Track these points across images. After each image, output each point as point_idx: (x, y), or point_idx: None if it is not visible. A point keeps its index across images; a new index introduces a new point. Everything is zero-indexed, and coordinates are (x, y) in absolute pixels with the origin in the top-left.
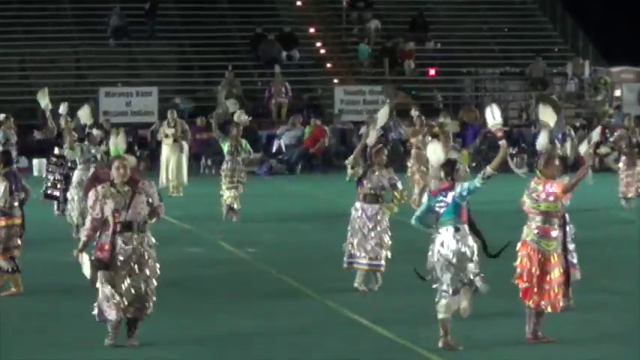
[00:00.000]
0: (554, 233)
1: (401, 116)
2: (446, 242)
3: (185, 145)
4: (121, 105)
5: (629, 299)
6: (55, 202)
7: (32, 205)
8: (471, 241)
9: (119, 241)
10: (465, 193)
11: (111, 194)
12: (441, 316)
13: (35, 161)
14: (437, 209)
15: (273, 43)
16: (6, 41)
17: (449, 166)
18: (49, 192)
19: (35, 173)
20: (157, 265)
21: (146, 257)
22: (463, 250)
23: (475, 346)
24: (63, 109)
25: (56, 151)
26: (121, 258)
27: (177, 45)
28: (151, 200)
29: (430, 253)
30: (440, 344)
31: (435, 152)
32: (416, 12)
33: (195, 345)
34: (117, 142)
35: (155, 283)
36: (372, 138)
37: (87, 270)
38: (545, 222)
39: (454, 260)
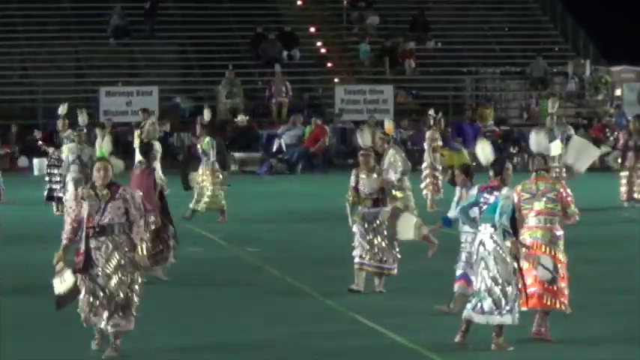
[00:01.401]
0: (559, 233)
1: (401, 116)
2: (484, 241)
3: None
4: (121, 104)
5: (630, 298)
6: (54, 203)
7: (32, 205)
8: (507, 242)
9: (92, 246)
10: (500, 210)
11: (88, 196)
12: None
13: (35, 161)
14: (480, 205)
15: (274, 42)
16: (7, 41)
17: (498, 165)
18: (51, 194)
19: (35, 173)
20: (137, 273)
21: (122, 263)
22: (499, 250)
23: (475, 346)
24: (62, 109)
25: (54, 153)
26: (94, 264)
27: (178, 44)
28: (126, 208)
29: (465, 251)
30: (457, 339)
31: (484, 152)
32: (416, 11)
33: (195, 344)
34: (102, 144)
35: (136, 291)
36: (366, 140)
37: (59, 286)
38: (555, 222)
39: (490, 260)
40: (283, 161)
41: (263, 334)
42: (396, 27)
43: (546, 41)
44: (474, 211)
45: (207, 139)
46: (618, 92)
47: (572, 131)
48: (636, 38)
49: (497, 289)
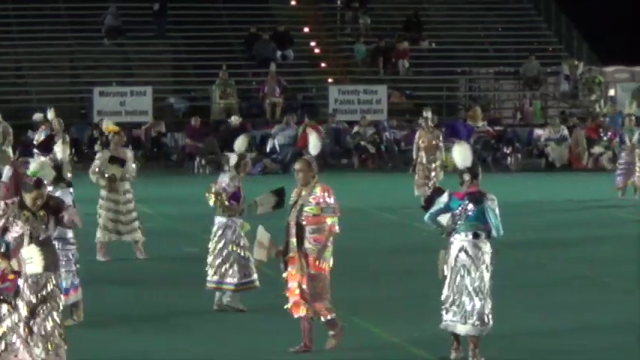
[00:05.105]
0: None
1: (395, 116)
2: (465, 247)
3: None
4: (115, 105)
5: (630, 298)
6: None
7: None
8: (488, 248)
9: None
10: (489, 214)
11: (26, 219)
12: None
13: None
14: (458, 211)
15: (268, 42)
16: (1, 41)
17: (475, 169)
18: None
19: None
20: (62, 297)
21: (53, 288)
22: (480, 256)
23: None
24: (51, 114)
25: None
26: (29, 291)
27: (172, 44)
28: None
29: (445, 257)
30: (452, 356)
31: (462, 154)
32: (410, 11)
33: (195, 343)
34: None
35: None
36: (241, 145)
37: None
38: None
39: (471, 267)
40: (277, 161)
41: (261, 331)
42: (389, 27)
43: (540, 41)
44: (445, 217)
45: None
46: (612, 92)
47: (565, 130)
48: (631, 38)
49: (478, 300)
